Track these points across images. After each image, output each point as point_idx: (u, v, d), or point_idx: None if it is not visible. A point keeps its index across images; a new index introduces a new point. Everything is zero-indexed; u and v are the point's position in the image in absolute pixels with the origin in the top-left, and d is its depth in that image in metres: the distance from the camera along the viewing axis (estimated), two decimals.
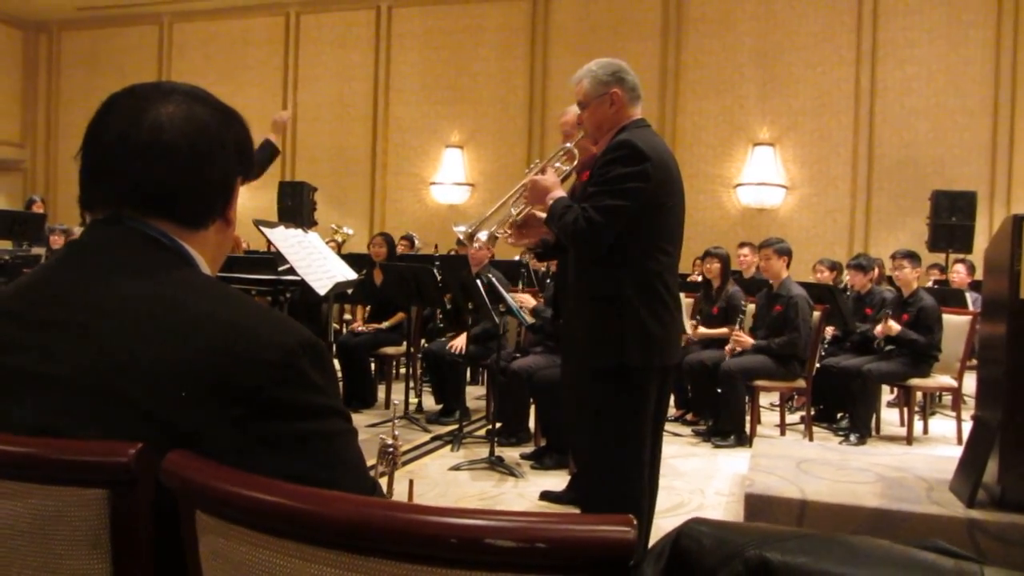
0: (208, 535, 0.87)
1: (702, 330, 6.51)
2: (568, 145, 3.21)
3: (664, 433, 5.88)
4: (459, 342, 6.14)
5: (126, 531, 0.93)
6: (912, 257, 6.25)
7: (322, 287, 4.14)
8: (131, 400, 0.95)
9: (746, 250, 8.38)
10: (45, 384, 0.98)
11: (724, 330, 6.38)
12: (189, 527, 0.89)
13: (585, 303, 2.92)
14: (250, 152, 1.20)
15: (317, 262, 4.29)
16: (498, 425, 5.75)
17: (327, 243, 5.42)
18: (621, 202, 2.74)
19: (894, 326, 5.98)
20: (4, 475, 0.93)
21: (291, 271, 4.25)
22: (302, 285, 4.50)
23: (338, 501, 0.79)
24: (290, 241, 4.22)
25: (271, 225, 4.23)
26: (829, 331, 6.72)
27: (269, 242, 4.27)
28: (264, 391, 0.96)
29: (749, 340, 6.01)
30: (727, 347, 6.09)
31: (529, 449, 5.34)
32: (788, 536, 0.97)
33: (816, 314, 6.01)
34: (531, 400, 5.48)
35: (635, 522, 0.71)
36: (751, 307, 6.38)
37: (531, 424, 5.64)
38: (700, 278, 7.95)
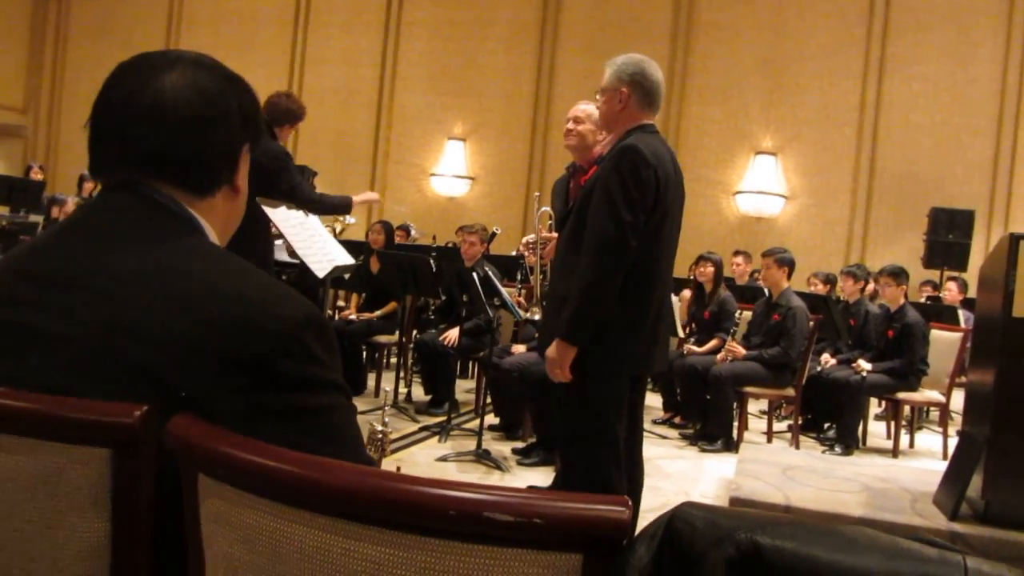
0: (210, 499, 0.89)
1: (695, 349, 6.55)
2: (545, 208, 3.49)
3: (651, 435, 5.99)
4: (452, 334, 6.15)
5: (127, 491, 0.94)
6: (897, 275, 6.31)
7: (321, 270, 4.15)
8: (139, 364, 0.96)
9: (740, 258, 8.42)
10: (57, 343, 0.99)
11: (715, 342, 6.45)
12: (190, 490, 0.91)
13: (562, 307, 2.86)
14: (257, 119, 1.20)
15: (317, 244, 4.30)
16: (497, 421, 5.78)
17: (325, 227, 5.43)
18: (628, 218, 2.72)
19: (864, 365, 6.10)
20: (11, 430, 0.94)
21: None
22: (300, 267, 4.51)
23: (340, 469, 0.80)
24: (292, 222, 4.23)
25: (273, 205, 4.24)
26: (825, 358, 6.71)
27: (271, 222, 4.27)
28: (268, 362, 0.97)
29: (742, 351, 6.04)
30: (719, 355, 6.12)
31: (521, 444, 5.36)
32: (780, 522, 1.00)
33: (810, 324, 6.04)
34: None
35: (630, 503, 0.73)
36: (746, 314, 6.41)
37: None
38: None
